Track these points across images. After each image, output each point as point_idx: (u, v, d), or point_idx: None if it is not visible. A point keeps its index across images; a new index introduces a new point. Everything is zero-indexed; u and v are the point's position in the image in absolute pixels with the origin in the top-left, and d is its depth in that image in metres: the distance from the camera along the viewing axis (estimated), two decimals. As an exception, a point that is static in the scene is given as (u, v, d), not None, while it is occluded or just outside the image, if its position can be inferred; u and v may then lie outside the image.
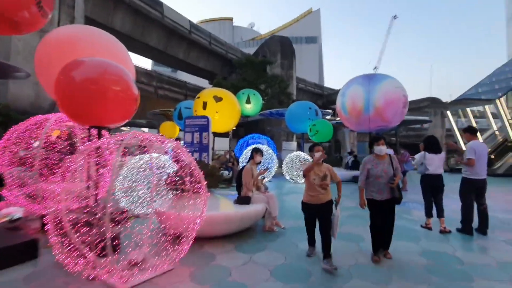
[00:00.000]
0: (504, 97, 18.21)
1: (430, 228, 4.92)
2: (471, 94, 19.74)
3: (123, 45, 5.23)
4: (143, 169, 4.65)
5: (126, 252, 3.14)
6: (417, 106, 31.67)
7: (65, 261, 2.73)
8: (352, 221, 5.32)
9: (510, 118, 17.98)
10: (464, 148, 4.95)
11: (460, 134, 19.28)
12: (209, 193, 4.67)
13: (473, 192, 4.75)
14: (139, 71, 21.77)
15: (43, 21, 3.82)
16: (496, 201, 7.03)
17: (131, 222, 3.25)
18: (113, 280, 2.73)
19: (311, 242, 3.75)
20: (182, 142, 8.28)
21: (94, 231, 2.79)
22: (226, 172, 11.86)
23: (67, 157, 4.01)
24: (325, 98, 40.76)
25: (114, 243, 3.21)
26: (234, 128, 17.49)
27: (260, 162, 4.89)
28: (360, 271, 3.30)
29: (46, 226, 2.70)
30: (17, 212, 4.00)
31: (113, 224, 3.24)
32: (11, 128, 4.47)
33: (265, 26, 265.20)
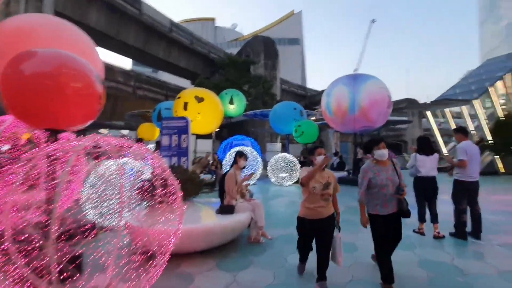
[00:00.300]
0: (480, 98, 18.83)
1: (423, 233, 4.71)
2: (449, 95, 20.28)
3: (91, 39, 4.67)
4: (114, 176, 4.12)
5: (88, 276, 2.63)
6: (395, 107, 32.35)
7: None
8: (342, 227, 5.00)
9: (485, 118, 18.60)
10: (445, 151, 4.79)
11: (441, 134, 19.76)
12: (186, 205, 4.23)
13: (465, 194, 4.58)
14: (116, 70, 20.80)
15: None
16: (480, 202, 6.99)
17: (97, 238, 2.76)
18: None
19: (303, 258, 3.23)
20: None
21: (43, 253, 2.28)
22: (208, 176, 11.36)
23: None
24: (308, 99, 40.96)
25: (73, 265, 2.70)
26: (217, 129, 16.94)
27: (244, 167, 4.48)
28: (358, 289, 2.98)
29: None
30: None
31: (73, 241, 2.75)
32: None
33: (248, 27, 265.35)
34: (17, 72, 3.02)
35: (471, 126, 20.36)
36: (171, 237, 2.94)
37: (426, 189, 4.88)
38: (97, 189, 4.11)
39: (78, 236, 2.95)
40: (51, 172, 2.74)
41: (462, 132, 4.77)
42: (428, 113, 19.37)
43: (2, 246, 2.16)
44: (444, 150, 18.90)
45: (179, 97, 10.41)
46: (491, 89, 18.14)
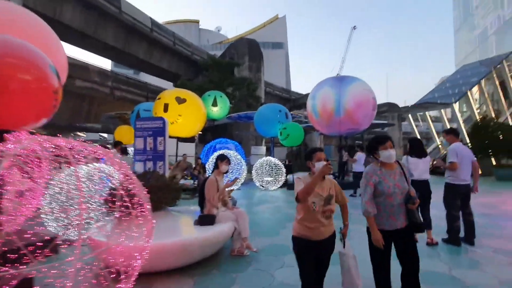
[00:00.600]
0: (458, 102, 19.42)
1: (416, 241, 4.47)
2: (429, 98, 20.82)
3: (54, 31, 4.15)
4: (78, 183, 3.60)
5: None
6: (377, 111, 33.05)
7: None
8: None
9: (463, 122, 19.18)
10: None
11: (425, 138, 20.16)
12: (160, 215, 3.77)
13: (458, 198, 4.39)
14: (92, 70, 19.78)
15: None
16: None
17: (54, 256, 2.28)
18: None
19: None
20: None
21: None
22: (191, 181, 10.84)
23: None
24: (292, 102, 41.06)
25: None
26: (200, 132, 16.36)
27: (227, 172, 4.08)
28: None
29: None
30: None
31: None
32: None
33: (232, 30, 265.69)
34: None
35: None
36: (139, 255, 2.50)
37: (420, 195, 4.66)
38: (57, 199, 3.58)
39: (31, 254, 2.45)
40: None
41: (453, 133, 4.59)
42: (410, 116, 19.73)
43: None
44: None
45: (159, 98, 9.88)
46: (469, 93, 18.73)
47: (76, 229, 3.21)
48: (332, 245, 2.38)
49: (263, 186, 10.65)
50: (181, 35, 28.93)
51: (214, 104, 12.80)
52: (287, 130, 10.83)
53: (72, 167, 2.97)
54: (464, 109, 21.69)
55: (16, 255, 2.33)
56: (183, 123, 9.57)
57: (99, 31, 20.32)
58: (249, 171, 11.53)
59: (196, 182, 10.31)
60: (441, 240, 4.35)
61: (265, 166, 10.74)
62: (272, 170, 10.72)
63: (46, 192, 3.78)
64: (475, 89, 20.79)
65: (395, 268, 2.54)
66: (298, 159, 19.66)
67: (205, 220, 3.66)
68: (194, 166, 11.57)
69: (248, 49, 23.29)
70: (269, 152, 15.86)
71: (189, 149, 17.31)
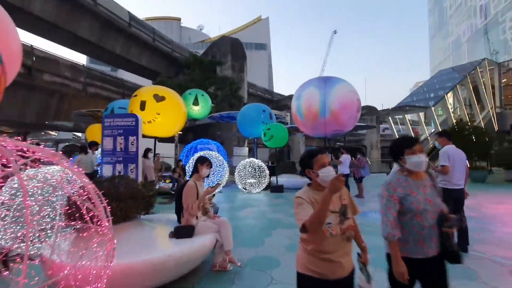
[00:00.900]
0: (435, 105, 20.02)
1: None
2: (408, 102, 21.35)
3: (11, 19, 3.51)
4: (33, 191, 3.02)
5: None
6: (358, 113, 33.73)
7: None
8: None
9: (439, 124, 19.78)
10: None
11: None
12: (130, 226, 3.27)
13: (451, 203, 4.20)
14: (62, 63, 18.48)
15: None
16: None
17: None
18: None
19: None
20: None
21: None
22: (169, 185, 10.23)
23: None
24: (275, 104, 41.00)
25: None
26: (181, 132, 15.70)
27: (208, 175, 3.64)
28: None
29: None
30: None
31: None
32: None
33: (215, 30, 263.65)
34: None
35: (427, 132, 21.60)
36: (97, 279, 2.01)
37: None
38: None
39: None
40: None
41: (446, 135, 4.41)
42: (390, 118, 20.10)
43: None
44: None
45: (135, 95, 9.21)
46: (446, 98, 19.35)
47: (25, 245, 2.65)
48: (352, 286, 1.75)
49: (245, 189, 10.24)
50: (162, 33, 27.96)
51: (195, 103, 12.24)
52: (271, 131, 10.49)
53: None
54: (440, 113, 22.40)
55: None
56: (161, 122, 8.99)
57: (72, 24, 19.06)
58: (231, 172, 11.10)
59: (175, 186, 9.74)
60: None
61: (248, 167, 10.35)
62: (255, 172, 10.35)
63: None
64: (450, 93, 21.57)
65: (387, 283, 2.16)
66: (281, 160, 19.42)
67: (182, 232, 3.19)
68: (173, 168, 10.96)
69: (231, 48, 22.82)
70: (251, 153, 15.49)
71: (168, 149, 16.57)
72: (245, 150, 16.90)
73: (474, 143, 14.73)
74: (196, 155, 9.13)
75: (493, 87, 24.52)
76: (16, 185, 3.27)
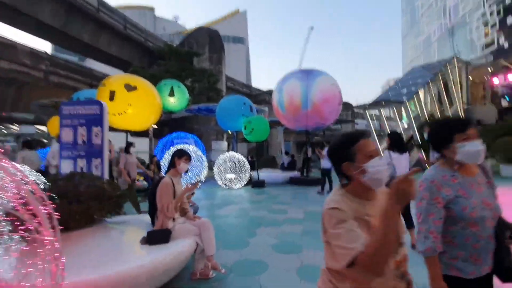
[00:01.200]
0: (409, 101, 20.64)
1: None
2: (384, 97, 21.85)
3: None
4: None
5: None
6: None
7: None
8: (310, 245, 4.04)
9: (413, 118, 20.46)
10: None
11: (377, 134, 21.07)
12: (93, 232, 2.76)
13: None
14: (20, 50, 16.76)
15: None
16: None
17: None
18: None
19: None
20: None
21: None
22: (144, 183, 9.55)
23: None
24: (253, 98, 40.54)
25: None
26: (155, 126, 14.87)
27: (187, 171, 3.20)
28: None
29: None
30: None
31: None
32: None
33: (191, 21, 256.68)
34: None
35: (402, 126, 22.29)
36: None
37: None
38: None
39: None
40: None
41: (436, 127, 4.27)
42: (367, 113, 20.46)
43: None
44: (380, 149, 20.19)
45: (103, 85, 8.42)
46: (419, 93, 20.00)
47: None
48: None
49: (226, 185, 9.82)
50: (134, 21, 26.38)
51: (171, 94, 11.50)
52: (251, 124, 10.10)
53: None
54: (413, 108, 23.18)
55: None
56: (133, 114, 8.29)
57: (33, 7, 17.32)
58: (210, 168, 10.61)
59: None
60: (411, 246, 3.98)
61: (228, 162, 9.92)
62: (235, 167, 9.94)
63: None
64: (422, 90, 22.35)
65: None
66: (261, 155, 19.15)
67: (157, 237, 2.74)
68: (147, 164, 10.26)
69: (208, 40, 22.01)
70: (231, 147, 15.04)
71: (142, 144, 15.65)
72: (224, 144, 16.42)
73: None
74: (173, 149, 8.56)
75: (461, 84, 25.81)
76: None
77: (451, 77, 24.66)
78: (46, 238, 1.42)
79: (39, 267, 1.61)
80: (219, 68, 22.44)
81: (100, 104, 3.88)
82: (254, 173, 10.91)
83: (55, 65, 18.61)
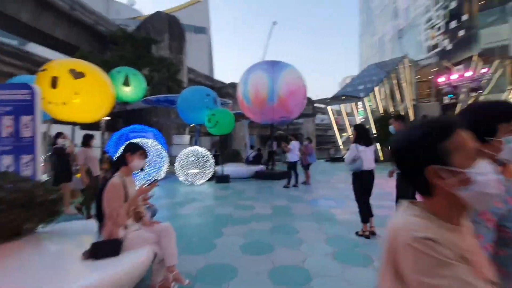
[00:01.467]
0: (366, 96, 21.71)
1: (368, 236, 4.07)
2: (344, 93, 22.71)
3: None
4: None
5: None
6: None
7: None
8: (280, 243, 3.82)
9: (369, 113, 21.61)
10: (340, 143, 4.30)
11: (340, 129, 21.89)
12: (22, 245, 2.20)
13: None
14: None
15: None
16: (384, 190, 6.91)
17: None
18: None
19: None
20: None
21: None
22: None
23: None
24: (216, 91, 39.59)
25: None
26: (108, 118, 13.61)
27: (142, 169, 2.73)
28: None
29: None
30: None
31: None
32: None
33: (148, 7, 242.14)
34: None
35: (359, 120, 23.43)
36: None
37: (368, 185, 4.29)
38: None
39: None
40: None
41: (402, 120, 4.29)
42: (329, 108, 21.07)
43: None
44: (340, 142, 20.99)
45: (44, 69, 7.28)
46: (375, 90, 21.10)
47: None
48: None
49: (188, 181, 9.27)
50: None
51: (126, 83, 10.49)
52: (216, 117, 9.62)
53: None
54: (370, 104, 24.45)
55: None
56: (80, 104, 7.33)
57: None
58: (171, 163, 9.95)
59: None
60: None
61: (190, 157, 9.37)
62: (198, 162, 9.44)
63: None
64: (377, 86, 23.67)
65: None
66: (225, 149, 18.70)
67: (104, 249, 2.26)
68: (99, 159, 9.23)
69: (168, 26, 20.65)
70: (193, 141, 14.37)
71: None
72: (186, 138, 15.67)
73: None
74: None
75: (410, 82, 27.93)
76: None
77: (402, 75, 26.52)
78: None
79: None
80: (180, 57, 21.25)
81: (30, 88, 3.16)
82: (218, 168, 10.50)
83: (-16, 47, 15.94)
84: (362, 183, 4.24)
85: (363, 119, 22.53)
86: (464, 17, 23.90)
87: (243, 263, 3.21)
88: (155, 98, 12.31)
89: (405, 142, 0.77)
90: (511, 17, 16.32)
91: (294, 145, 8.66)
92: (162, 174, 8.78)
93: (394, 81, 26.20)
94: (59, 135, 6.37)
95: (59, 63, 7.89)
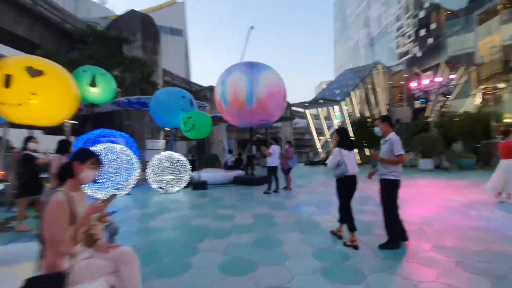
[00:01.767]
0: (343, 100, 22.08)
1: (357, 247, 3.80)
2: (322, 97, 22.95)
3: None
4: None
5: None
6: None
7: None
8: (264, 259, 3.42)
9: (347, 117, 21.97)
10: (319, 146, 4.11)
11: (318, 132, 21.99)
12: None
13: (395, 196, 3.92)
14: None
15: None
16: (365, 193, 6.82)
17: None
18: None
19: None
20: None
21: None
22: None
23: None
24: (193, 94, 38.73)
25: None
26: (75, 122, 12.60)
27: (95, 180, 2.23)
28: None
29: None
30: None
31: None
32: None
33: (121, 7, 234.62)
34: None
35: (336, 124, 23.75)
36: None
37: (352, 190, 4.06)
38: None
39: None
40: None
41: (389, 121, 4.07)
42: (307, 111, 21.15)
43: None
44: (318, 145, 21.10)
45: (-4, 66, 6.43)
46: (352, 94, 21.52)
47: None
48: None
49: (162, 188, 8.65)
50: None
51: (93, 83, 9.67)
52: (192, 120, 9.10)
53: None
54: (346, 107, 24.94)
55: None
56: (39, 106, 6.54)
57: None
58: (145, 169, 9.28)
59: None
60: (378, 247, 3.76)
61: (165, 162, 8.76)
62: (174, 168, 8.85)
63: None
64: (353, 91, 24.22)
65: None
66: (201, 153, 18.09)
67: (43, 286, 1.75)
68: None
69: (141, 26, 19.77)
70: (168, 146, 13.67)
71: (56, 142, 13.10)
72: (161, 142, 14.90)
73: (373, 133, 16.67)
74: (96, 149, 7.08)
75: (384, 87, 28.94)
76: None
77: (376, 80, 27.37)
78: None
79: None
80: (155, 58, 20.40)
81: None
82: (195, 174, 9.95)
83: None
84: (347, 188, 4.01)
85: (340, 123, 22.90)
86: (433, 26, 25.17)
87: (222, 286, 2.79)
88: (127, 100, 11.53)
89: None
90: (476, 27, 17.29)
91: (275, 149, 8.36)
92: (132, 182, 8.11)
93: (369, 86, 27.00)
94: (29, 139, 5.58)
95: (14, 60, 7.02)
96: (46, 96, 6.66)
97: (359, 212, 5.46)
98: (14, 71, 6.53)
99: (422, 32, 26.44)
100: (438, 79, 16.19)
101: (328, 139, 21.62)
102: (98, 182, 7.57)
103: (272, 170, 8.34)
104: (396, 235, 3.79)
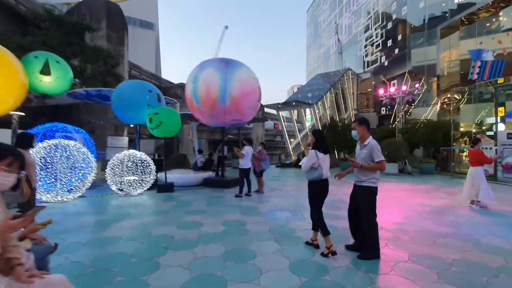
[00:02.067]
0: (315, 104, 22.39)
1: (334, 252, 3.56)
2: (295, 99, 23.10)
3: None
4: None
5: None
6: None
7: None
8: (235, 275, 3.02)
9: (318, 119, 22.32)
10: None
11: (291, 135, 22.03)
12: None
13: (374, 203, 3.74)
14: None
15: None
16: (336, 197, 6.70)
17: None
18: None
19: None
20: None
21: None
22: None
23: None
24: (163, 91, 37.09)
25: None
26: (22, 113, 11.22)
27: (16, 188, 1.68)
28: None
29: None
30: None
31: None
32: None
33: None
34: None
35: (307, 127, 24.03)
36: None
37: (324, 194, 3.85)
38: None
39: None
40: None
41: (366, 124, 3.87)
42: (281, 113, 21.12)
43: None
44: (290, 147, 21.15)
45: None
46: (324, 98, 21.89)
47: None
48: None
49: (122, 190, 7.87)
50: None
51: (46, 71, 8.58)
52: (159, 117, 8.43)
53: None
54: (317, 111, 25.37)
55: None
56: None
57: None
58: (105, 168, 8.42)
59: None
60: (357, 257, 3.54)
61: (126, 162, 7.99)
62: (137, 168, 8.12)
63: None
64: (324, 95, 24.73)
65: None
66: (171, 152, 17.22)
67: None
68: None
69: (106, 13, 18.35)
70: (132, 145, 12.70)
71: (2, 138, 11.52)
72: (124, 140, 13.84)
73: (344, 137, 17.01)
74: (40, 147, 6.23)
75: (353, 93, 29.98)
76: None
77: (345, 86, 28.25)
78: None
79: None
80: (121, 50, 19.03)
81: None
82: (160, 175, 9.25)
83: None
84: (321, 192, 3.79)
85: (311, 127, 23.18)
86: (399, 37, 26.54)
87: (185, 312, 2.34)
88: (85, 91, 10.45)
89: None
90: (438, 41, 18.45)
91: (247, 150, 7.99)
92: (87, 183, 7.27)
93: (339, 91, 27.78)
94: None
95: None
96: (-17, 82, 5.74)
97: (333, 217, 5.28)
98: None
99: (389, 43, 27.80)
100: (403, 87, 16.98)
101: (300, 142, 21.77)
102: (48, 183, 6.66)
103: (245, 172, 7.97)
104: (376, 244, 3.60)
